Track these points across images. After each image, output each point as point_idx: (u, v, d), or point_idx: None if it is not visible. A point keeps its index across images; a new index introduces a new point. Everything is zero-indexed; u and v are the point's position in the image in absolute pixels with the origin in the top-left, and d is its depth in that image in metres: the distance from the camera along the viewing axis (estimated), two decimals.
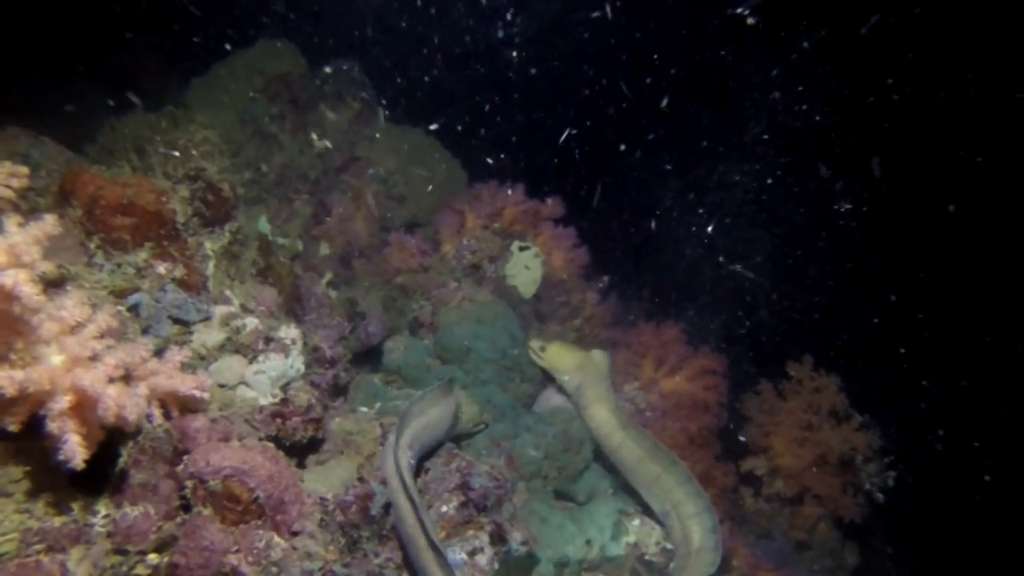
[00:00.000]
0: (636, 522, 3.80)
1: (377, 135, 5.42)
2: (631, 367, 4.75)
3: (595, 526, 3.65)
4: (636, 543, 3.70)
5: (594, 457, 3.86)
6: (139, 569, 2.33)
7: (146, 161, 3.58)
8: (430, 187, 5.53)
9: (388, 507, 2.62)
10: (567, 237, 5.14)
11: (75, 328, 2.14)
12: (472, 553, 2.74)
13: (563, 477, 3.64)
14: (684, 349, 4.76)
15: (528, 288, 5.09)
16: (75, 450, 2.00)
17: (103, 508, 2.35)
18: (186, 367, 2.62)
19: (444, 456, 3.02)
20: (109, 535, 2.32)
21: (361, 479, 2.82)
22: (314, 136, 5.39)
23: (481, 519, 2.82)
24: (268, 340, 3.17)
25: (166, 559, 2.37)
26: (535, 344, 3.80)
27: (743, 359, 5.59)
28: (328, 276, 4.55)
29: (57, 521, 2.17)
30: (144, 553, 2.35)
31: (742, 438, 5.12)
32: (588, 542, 3.60)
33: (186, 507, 2.43)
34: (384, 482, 2.64)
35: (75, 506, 2.24)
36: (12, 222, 1.99)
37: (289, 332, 3.26)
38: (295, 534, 2.49)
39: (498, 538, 2.80)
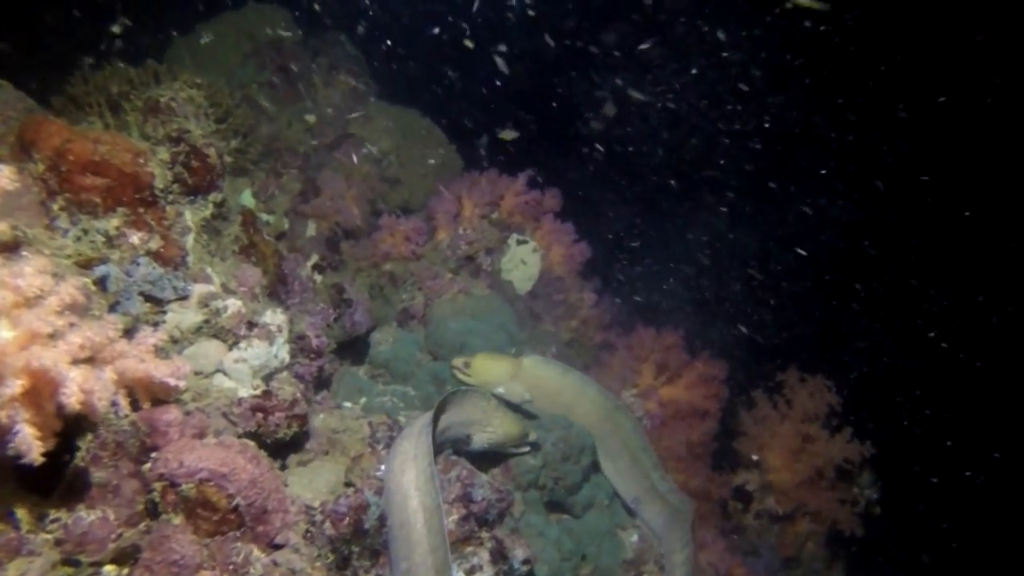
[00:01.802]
0: (634, 538, 3.58)
1: (372, 113, 5.10)
2: (629, 372, 4.53)
3: (592, 541, 3.42)
4: (634, 559, 3.48)
5: (594, 468, 3.62)
6: None
7: (121, 118, 3.22)
8: (425, 171, 5.23)
9: (382, 520, 2.35)
10: (567, 232, 4.90)
11: (33, 300, 1.82)
12: (471, 572, 2.49)
13: (560, 488, 3.40)
14: (684, 355, 4.57)
15: (524, 284, 4.84)
16: (30, 442, 1.68)
17: (53, 511, 2.03)
18: (160, 351, 2.30)
19: (442, 463, 2.75)
20: (58, 543, 1.99)
21: (352, 486, 2.54)
22: (307, 115, 5.06)
23: (482, 534, 2.57)
24: (251, 325, 2.85)
25: (125, 572, 2.05)
26: (459, 363, 3.45)
27: (737, 365, 5.42)
28: (314, 259, 4.23)
29: None
30: (100, 565, 2.03)
31: (737, 446, 4.95)
32: (584, 557, 3.37)
33: (152, 512, 2.12)
34: (379, 492, 2.37)
35: (20, 511, 1.92)
36: None
37: (275, 318, 2.94)
38: (277, 547, 2.20)
39: (499, 556, 2.55)
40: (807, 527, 4.89)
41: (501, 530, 2.67)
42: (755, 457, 4.85)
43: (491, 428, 3.16)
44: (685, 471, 4.29)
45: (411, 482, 2.49)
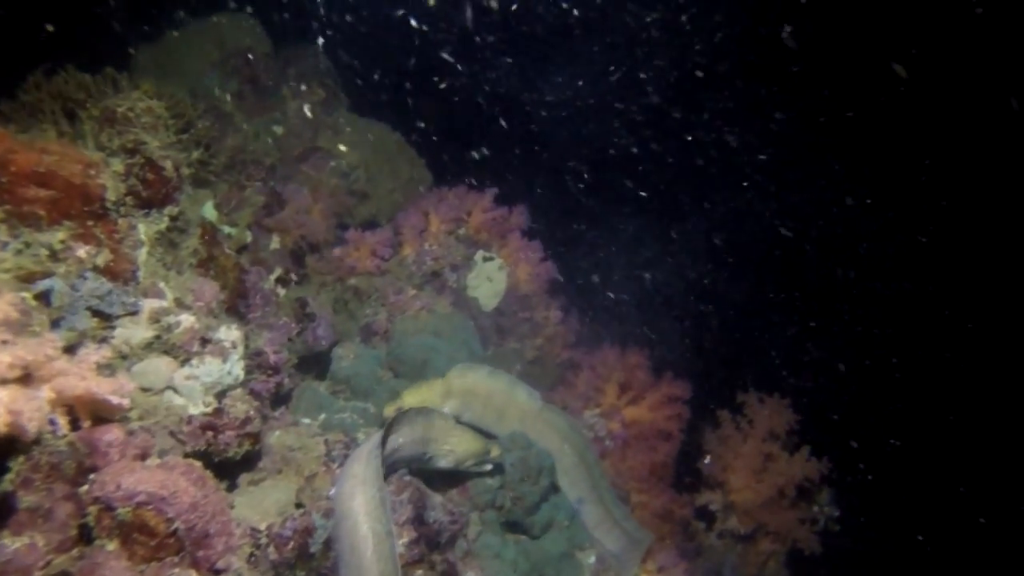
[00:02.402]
0: (591, 560, 3.56)
1: (343, 125, 5.07)
2: (592, 391, 4.53)
3: (549, 563, 3.39)
4: None
5: (553, 489, 3.60)
6: None
7: (77, 128, 3.15)
8: (393, 186, 5.20)
9: (329, 543, 2.30)
10: (534, 250, 4.90)
11: None
12: None
13: (519, 508, 3.37)
14: (648, 375, 4.58)
15: (490, 301, 4.83)
16: None
17: None
18: (103, 368, 2.24)
19: (395, 484, 2.71)
20: None
21: (302, 507, 2.49)
22: (275, 126, 5.01)
23: (434, 557, 2.53)
24: (204, 341, 2.79)
25: None
26: (391, 411, 3.33)
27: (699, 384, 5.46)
28: (277, 272, 4.17)
29: None
30: None
31: (700, 466, 4.97)
32: None
33: (86, 537, 2.05)
34: (328, 514, 2.32)
35: None
36: None
37: (229, 334, 2.89)
38: (218, 572, 2.14)
39: None
40: (769, 546, 4.92)
41: (453, 553, 2.63)
42: (707, 460, 4.86)
43: (448, 446, 3.12)
44: (648, 492, 4.28)
45: (361, 507, 2.44)
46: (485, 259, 4.78)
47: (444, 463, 3.13)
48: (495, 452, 3.30)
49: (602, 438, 4.28)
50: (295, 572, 2.20)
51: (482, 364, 3.65)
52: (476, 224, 4.78)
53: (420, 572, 2.50)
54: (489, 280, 4.77)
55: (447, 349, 3.88)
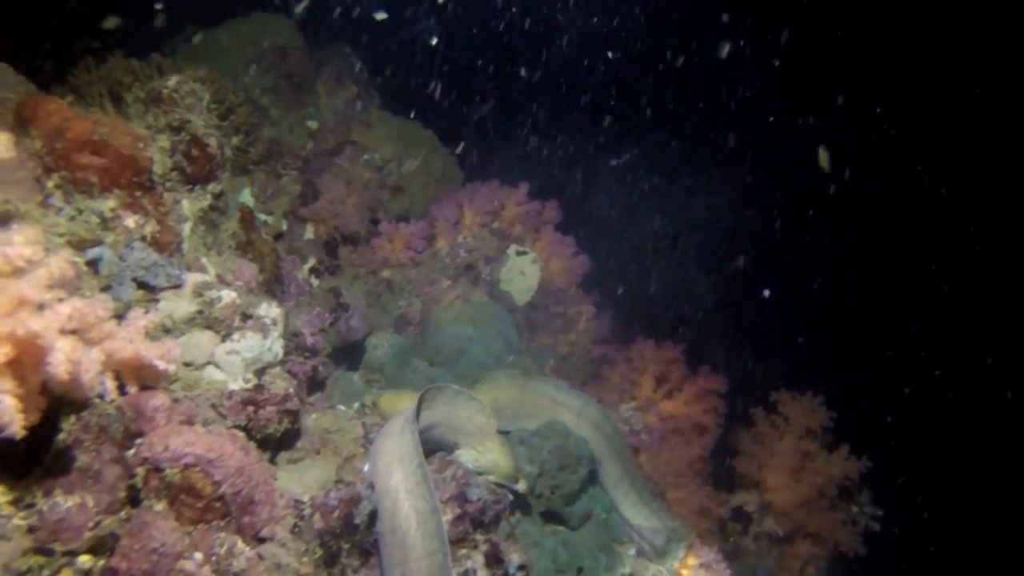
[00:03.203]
0: (631, 552, 3.47)
1: (376, 121, 5.10)
2: (628, 385, 4.46)
3: (589, 555, 3.31)
4: (631, 574, 3.36)
5: (591, 479, 3.52)
6: (65, 574, 1.91)
7: (123, 110, 3.19)
8: (426, 181, 5.21)
9: (373, 516, 2.26)
10: (567, 244, 4.87)
11: (20, 271, 1.76)
12: None
13: (557, 497, 3.30)
14: (684, 369, 4.50)
15: (522, 295, 4.80)
16: (12, 415, 1.60)
17: (28, 496, 1.93)
18: (150, 334, 2.23)
19: (436, 463, 2.66)
20: (31, 530, 1.89)
21: (342, 481, 2.44)
22: (309, 121, 5.05)
23: (477, 536, 2.47)
24: (245, 317, 2.79)
25: (101, 563, 1.95)
26: (368, 400, 3.27)
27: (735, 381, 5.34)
28: (311, 262, 4.17)
29: None
30: (75, 554, 1.93)
31: (735, 465, 4.85)
32: (580, 571, 3.26)
33: (134, 499, 2.03)
34: (372, 486, 2.28)
35: None
36: None
37: (270, 310, 2.88)
38: (262, 540, 2.10)
39: (494, 560, 2.45)
40: (807, 549, 4.76)
41: (497, 534, 2.57)
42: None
43: (480, 449, 2.89)
44: (685, 487, 4.19)
45: (400, 484, 2.37)
46: (518, 253, 4.75)
47: (467, 461, 2.90)
48: (522, 486, 3.00)
49: (638, 432, 4.19)
50: (340, 543, 2.15)
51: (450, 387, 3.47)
52: (509, 217, 4.76)
53: (464, 551, 2.44)
54: (522, 274, 4.74)
55: (483, 337, 3.84)
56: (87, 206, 2.36)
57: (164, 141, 2.81)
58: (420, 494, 2.35)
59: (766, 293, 6.06)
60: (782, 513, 4.80)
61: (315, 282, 4.26)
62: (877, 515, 4.68)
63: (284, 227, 4.08)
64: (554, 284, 4.83)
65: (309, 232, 4.29)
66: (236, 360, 2.73)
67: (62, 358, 1.67)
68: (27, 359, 1.71)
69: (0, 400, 1.64)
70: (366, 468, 2.45)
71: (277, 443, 2.76)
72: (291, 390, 2.78)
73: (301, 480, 2.56)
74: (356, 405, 3.58)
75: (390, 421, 2.64)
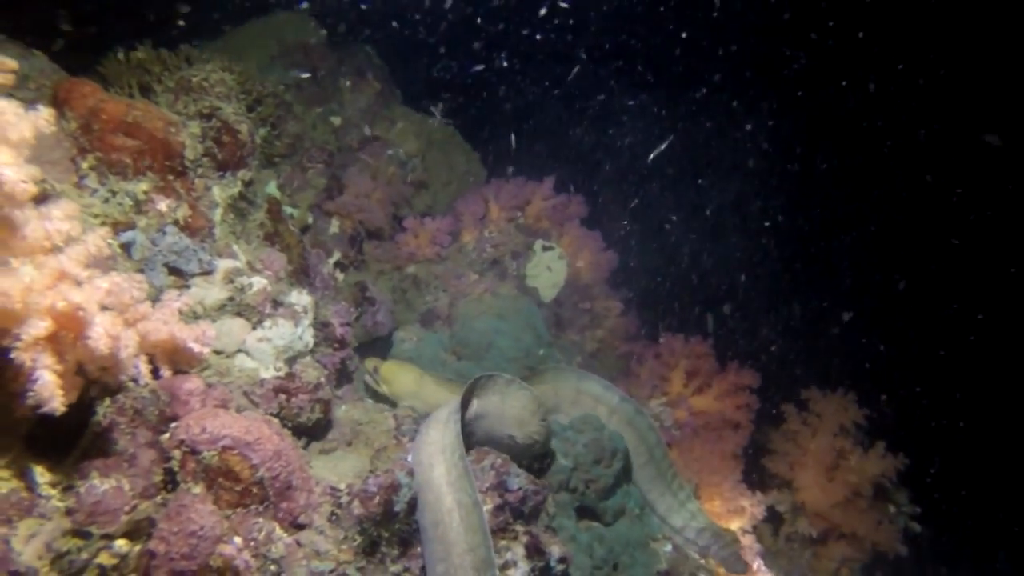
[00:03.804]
0: (668, 548, 3.37)
1: (399, 117, 5.07)
2: (658, 380, 4.37)
3: (624, 550, 3.22)
4: (668, 571, 3.27)
5: (624, 474, 3.44)
6: (103, 558, 1.86)
7: (152, 99, 3.17)
8: (449, 178, 5.17)
9: (413, 504, 2.19)
10: (594, 239, 4.81)
11: (60, 245, 1.72)
12: (504, 567, 2.31)
13: (592, 492, 3.22)
14: (714, 364, 4.41)
15: (549, 291, 4.73)
16: (52, 391, 1.56)
17: (65, 478, 1.89)
18: (184, 316, 2.18)
19: (474, 453, 2.59)
20: (69, 512, 1.84)
21: (376, 471, 2.38)
22: (332, 117, 5.02)
23: (517, 527, 2.39)
24: (277, 304, 2.74)
25: (138, 547, 1.90)
26: (369, 365, 3.13)
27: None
28: (336, 256, 4.14)
29: (4, 487, 1.71)
30: (111, 538, 1.88)
31: (765, 463, 4.74)
32: (616, 567, 3.17)
33: (169, 485, 1.97)
34: (411, 473, 2.21)
35: (27, 474, 1.77)
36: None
37: (301, 298, 2.83)
38: (300, 527, 2.04)
39: (535, 551, 2.37)
40: (842, 551, 4.64)
41: (537, 526, 2.49)
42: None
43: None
44: (718, 485, 4.09)
45: (442, 477, 2.31)
46: (544, 248, 4.69)
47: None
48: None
49: (669, 427, 4.10)
50: (380, 531, 2.08)
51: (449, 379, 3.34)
52: (535, 212, 4.70)
53: (504, 542, 2.36)
54: (548, 269, 4.67)
55: (512, 330, 3.78)
56: (121, 188, 2.32)
57: (195, 127, 2.78)
58: (462, 487, 2.28)
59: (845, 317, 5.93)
60: (815, 513, 4.68)
61: (340, 276, 4.22)
62: (916, 514, 4.54)
63: (310, 220, 4.05)
64: (581, 280, 4.77)
65: (334, 226, 4.26)
66: (267, 348, 2.68)
67: (102, 332, 1.62)
68: (66, 334, 1.67)
69: (40, 375, 1.60)
70: (409, 457, 2.39)
71: (309, 432, 2.70)
72: (322, 379, 2.73)
73: (335, 470, 2.50)
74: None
75: (436, 411, 2.58)
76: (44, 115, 1.72)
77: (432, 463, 2.39)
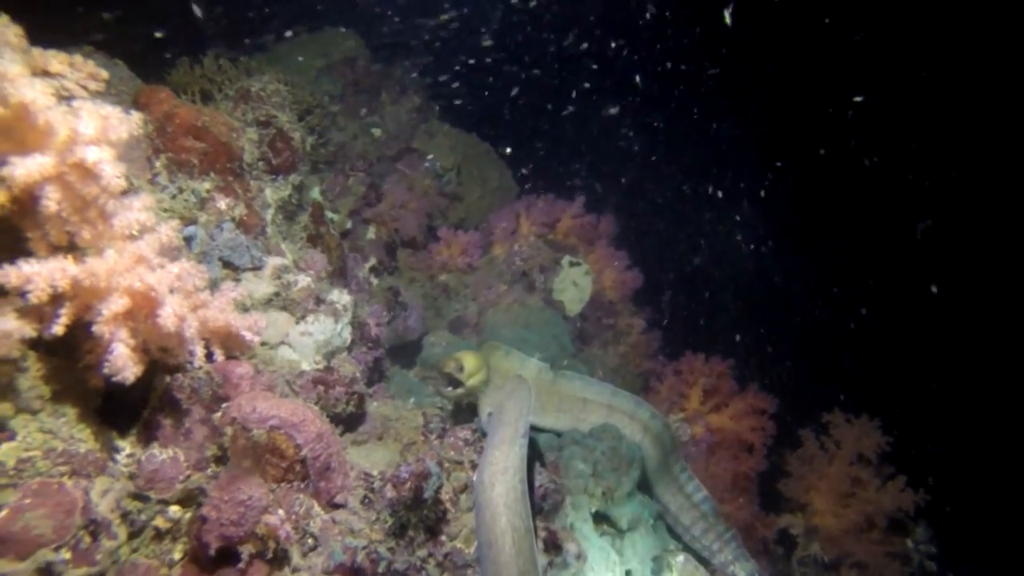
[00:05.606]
0: (680, 559, 3.45)
1: (436, 131, 5.28)
2: (676, 396, 4.46)
3: (637, 558, 3.31)
4: None
5: (640, 484, 3.53)
6: (159, 521, 2.03)
7: (212, 107, 3.41)
8: (483, 192, 5.35)
9: (439, 492, 2.33)
10: (620, 258, 4.94)
11: (136, 235, 1.91)
12: None
13: (608, 498, 3.32)
14: (733, 384, 4.49)
15: (574, 306, 4.86)
16: (126, 361, 1.74)
17: (129, 446, 2.07)
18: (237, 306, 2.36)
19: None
20: (132, 476, 2.02)
21: (405, 461, 2.52)
22: (373, 128, 5.26)
23: (537, 523, 2.51)
24: (319, 301, 2.92)
25: (189, 514, 2.07)
26: (451, 365, 3.07)
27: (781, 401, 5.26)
28: (372, 261, 4.33)
29: (82, 447, 1.89)
30: (167, 504, 2.05)
31: (780, 487, 4.77)
32: (628, 573, 3.26)
33: (219, 459, 2.14)
34: (441, 463, 2.35)
35: (100, 437, 1.96)
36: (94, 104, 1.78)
37: (342, 297, 3.01)
38: (336, 507, 2.19)
39: (552, 547, 2.49)
40: None
41: (555, 523, 2.61)
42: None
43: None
44: (731, 503, 4.15)
45: (500, 498, 2.32)
46: (571, 264, 4.83)
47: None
48: None
49: (685, 442, 4.19)
50: (409, 515, 2.22)
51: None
52: (564, 229, 4.85)
53: None
54: (575, 285, 4.81)
55: (537, 340, 3.92)
56: (188, 185, 2.53)
57: (252, 133, 3.00)
58: (517, 511, 2.28)
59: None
60: (828, 539, 4.70)
61: (374, 280, 4.40)
62: (933, 554, 4.52)
63: (349, 225, 4.25)
64: (605, 296, 4.89)
65: (371, 232, 4.45)
66: (308, 341, 2.86)
67: (171, 312, 1.80)
68: (139, 313, 1.85)
69: (116, 347, 1.78)
70: (475, 477, 2.45)
71: (343, 424, 2.86)
72: (358, 374, 2.90)
73: (368, 458, 2.65)
74: (411, 400, 3.68)
75: (500, 427, 2.59)
76: (136, 119, 1.92)
77: (493, 482, 2.39)
